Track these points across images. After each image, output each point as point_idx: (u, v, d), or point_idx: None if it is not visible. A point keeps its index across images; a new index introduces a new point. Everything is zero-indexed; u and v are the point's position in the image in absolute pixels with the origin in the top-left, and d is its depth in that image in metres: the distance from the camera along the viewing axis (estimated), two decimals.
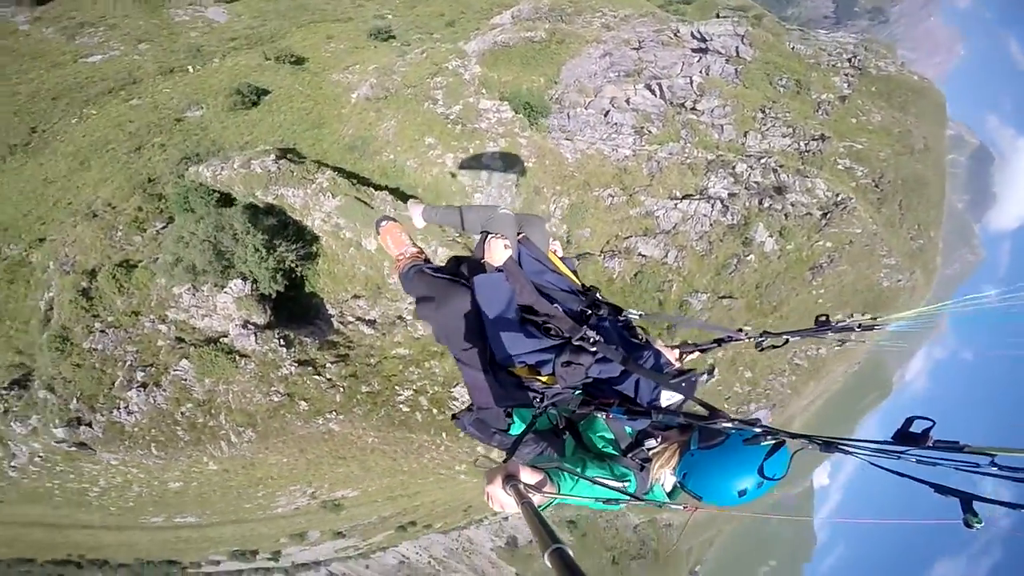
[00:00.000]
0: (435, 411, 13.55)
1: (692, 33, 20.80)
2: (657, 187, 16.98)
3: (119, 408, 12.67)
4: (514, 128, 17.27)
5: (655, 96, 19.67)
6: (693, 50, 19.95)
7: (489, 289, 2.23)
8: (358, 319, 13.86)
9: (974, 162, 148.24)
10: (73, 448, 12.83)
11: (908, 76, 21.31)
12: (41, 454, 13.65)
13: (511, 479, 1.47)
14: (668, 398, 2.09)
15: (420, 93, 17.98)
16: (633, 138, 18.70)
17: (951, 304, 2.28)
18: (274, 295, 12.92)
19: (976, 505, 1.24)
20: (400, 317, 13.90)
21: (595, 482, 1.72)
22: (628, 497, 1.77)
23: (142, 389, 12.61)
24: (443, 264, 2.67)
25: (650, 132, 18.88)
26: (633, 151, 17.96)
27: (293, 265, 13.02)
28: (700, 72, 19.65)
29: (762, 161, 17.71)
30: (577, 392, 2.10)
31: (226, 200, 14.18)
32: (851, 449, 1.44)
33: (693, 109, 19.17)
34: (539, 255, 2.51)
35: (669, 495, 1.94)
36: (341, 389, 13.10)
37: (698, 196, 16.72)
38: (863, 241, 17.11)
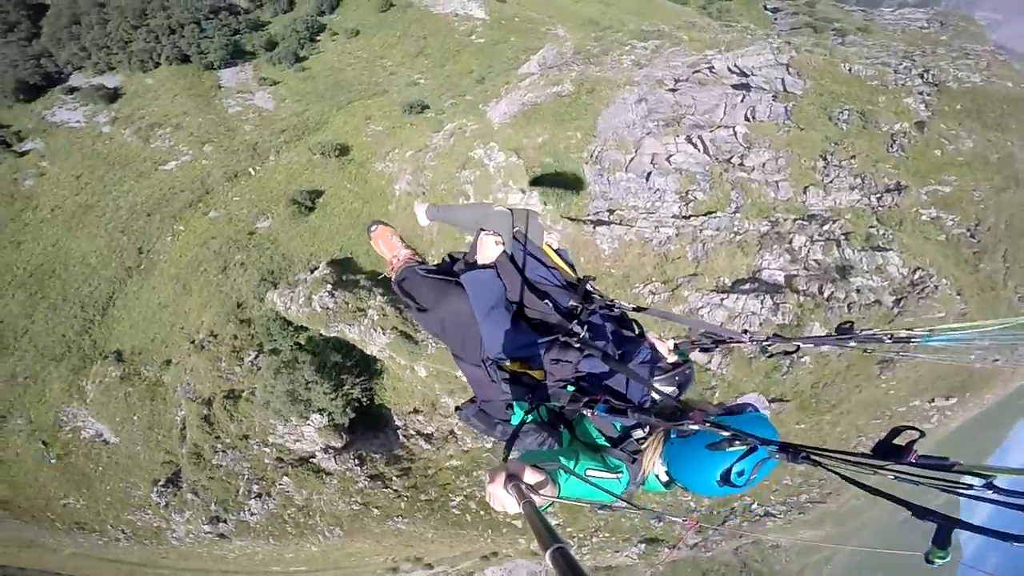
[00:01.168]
0: (483, 513, 15.31)
1: (729, 68, 18.82)
2: (703, 276, 16.41)
3: (244, 511, 15.86)
4: (545, 221, 17.41)
5: (698, 151, 18.36)
6: (734, 87, 18.11)
7: (479, 285, 2.28)
8: (418, 433, 15.66)
9: None
10: (216, 537, 16.44)
11: (999, 85, 17.80)
12: (192, 534, 17.57)
13: (513, 479, 1.49)
14: (661, 390, 2.10)
15: (452, 188, 18.48)
16: (678, 205, 17.87)
17: (1003, 323, 1.96)
18: (347, 422, 15.03)
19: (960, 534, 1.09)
20: (452, 432, 15.52)
21: (587, 479, 1.72)
22: (617, 499, 1.75)
23: (258, 498, 15.60)
24: (438, 263, 2.71)
25: (695, 198, 17.93)
26: (677, 231, 17.31)
27: (360, 396, 14.94)
28: (745, 116, 17.96)
29: (825, 229, 16.35)
30: (570, 387, 2.11)
31: (300, 327, 16.26)
32: (822, 460, 1.35)
33: (741, 165, 17.80)
34: (534, 250, 2.52)
35: (665, 486, 1.93)
36: (405, 498, 15.23)
37: (748, 285, 16.01)
38: (949, 320, 15.55)
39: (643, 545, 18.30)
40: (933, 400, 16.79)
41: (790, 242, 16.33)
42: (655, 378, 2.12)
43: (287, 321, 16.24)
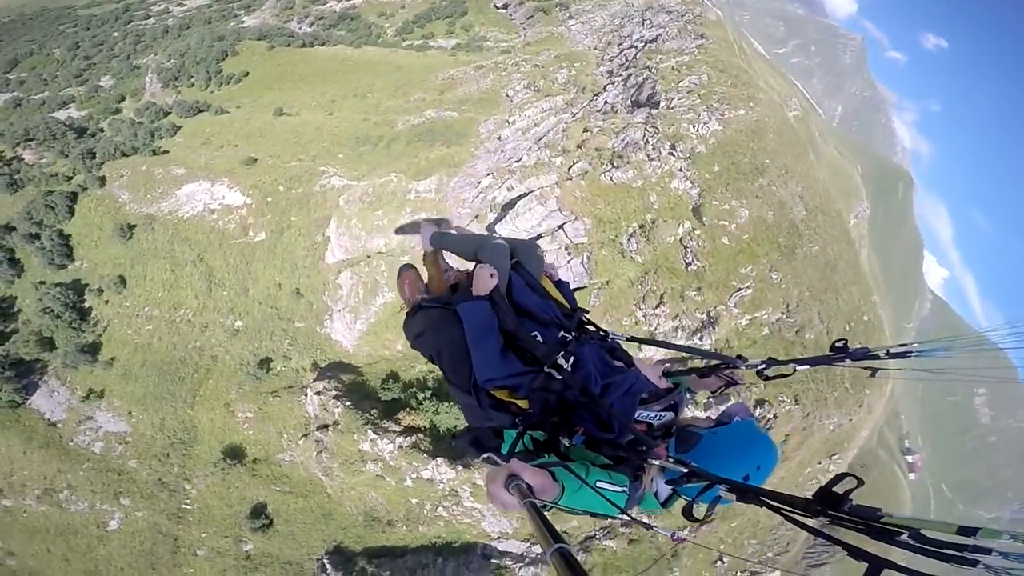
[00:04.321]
0: None
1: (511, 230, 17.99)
2: None
3: None
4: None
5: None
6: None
7: (472, 315, 2.39)
8: None
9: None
10: None
11: (736, 121, 17.01)
12: None
13: (513, 479, 1.50)
14: (647, 417, 2.23)
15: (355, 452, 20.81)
16: None
17: (993, 331, 2.15)
18: None
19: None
20: None
21: (597, 489, 1.78)
22: (621, 511, 1.82)
23: None
24: (440, 295, 2.89)
25: None
26: None
27: None
28: None
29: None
30: (554, 417, 2.21)
31: None
32: (768, 502, 1.44)
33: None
34: (532, 280, 2.66)
35: (664, 504, 2.04)
36: None
37: None
38: (801, 427, 18.08)
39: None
40: (820, 462, 20.82)
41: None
42: (643, 406, 2.26)
43: None
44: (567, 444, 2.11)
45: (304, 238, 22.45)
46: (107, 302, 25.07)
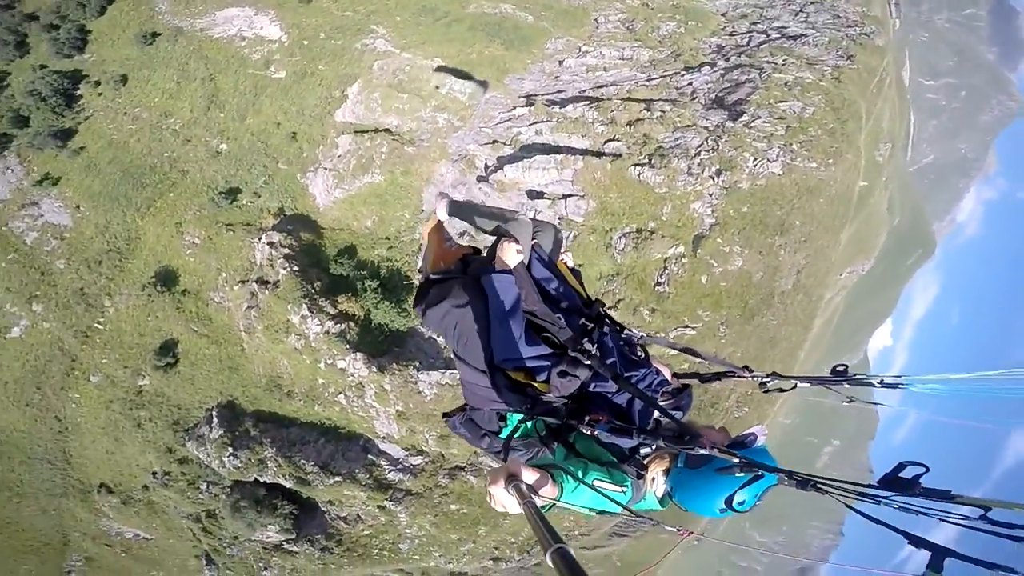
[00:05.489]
0: None
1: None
2: None
3: None
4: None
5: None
6: (530, 195, 17.31)
7: (498, 290, 2.25)
8: (339, 517, 21.42)
9: (994, 16, 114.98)
10: None
11: (801, 172, 16.36)
12: None
13: (513, 479, 1.49)
14: (669, 412, 2.09)
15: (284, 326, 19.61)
16: None
17: (990, 374, 2.05)
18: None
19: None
20: (359, 516, 21.16)
21: (595, 488, 1.77)
22: (623, 508, 1.81)
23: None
24: (450, 267, 2.71)
25: None
26: None
27: (293, 510, 20.19)
28: None
29: None
30: (567, 404, 2.13)
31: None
32: (829, 489, 1.42)
33: None
34: (549, 264, 2.55)
35: (660, 501, 2.03)
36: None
37: None
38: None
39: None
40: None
41: None
42: (661, 401, 2.21)
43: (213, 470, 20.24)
44: (586, 433, 2.04)
45: (322, 89, 21.81)
46: (100, 95, 24.26)
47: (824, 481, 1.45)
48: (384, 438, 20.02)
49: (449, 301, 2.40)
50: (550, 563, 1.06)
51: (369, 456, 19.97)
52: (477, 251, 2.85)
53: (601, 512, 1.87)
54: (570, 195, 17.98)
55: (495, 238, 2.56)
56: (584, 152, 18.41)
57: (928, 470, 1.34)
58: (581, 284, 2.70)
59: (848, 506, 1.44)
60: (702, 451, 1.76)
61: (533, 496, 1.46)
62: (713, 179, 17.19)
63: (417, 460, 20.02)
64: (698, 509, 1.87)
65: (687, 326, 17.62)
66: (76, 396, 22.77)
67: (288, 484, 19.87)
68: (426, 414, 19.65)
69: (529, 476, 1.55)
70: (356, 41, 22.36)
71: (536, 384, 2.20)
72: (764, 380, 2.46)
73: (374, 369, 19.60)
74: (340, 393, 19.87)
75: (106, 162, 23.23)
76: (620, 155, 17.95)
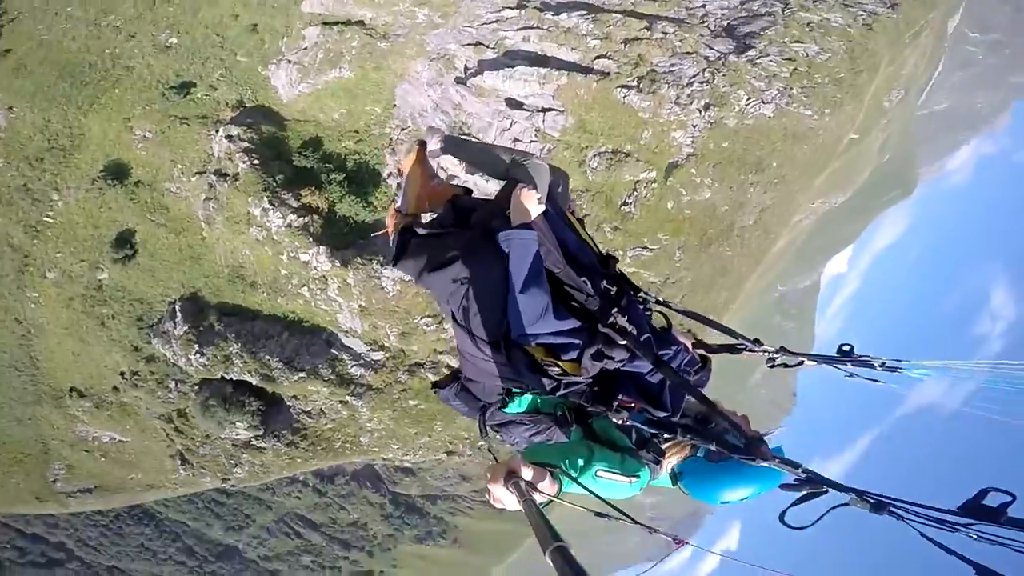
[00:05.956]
0: None
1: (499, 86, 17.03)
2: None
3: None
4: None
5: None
6: (508, 104, 17.12)
7: (522, 251, 1.91)
8: (303, 412, 22.55)
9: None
10: None
11: (792, 117, 15.80)
12: None
13: (512, 476, 1.46)
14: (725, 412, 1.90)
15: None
16: None
17: (983, 364, 2.13)
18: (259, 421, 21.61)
19: None
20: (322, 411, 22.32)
21: (599, 478, 1.68)
22: (621, 514, 1.66)
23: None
24: (438, 215, 2.35)
25: None
26: None
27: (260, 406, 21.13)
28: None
29: None
30: (592, 386, 1.94)
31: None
32: (904, 515, 1.34)
33: None
34: (562, 215, 2.20)
35: (672, 481, 2.01)
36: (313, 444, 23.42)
37: None
38: None
39: None
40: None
41: None
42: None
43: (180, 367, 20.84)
44: (619, 423, 1.87)
45: None
46: None
47: (900, 504, 1.33)
48: (347, 332, 20.50)
49: (457, 266, 2.04)
50: (549, 562, 1.03)
51: (332, 351, 20.48)
52: (468, 191, 2.50)
53: (600, 515, 1.66)
54: (550, 109, 17.68)
55: (503, 183, 2.19)
56: (571, 67, 17.63)
57: (1015, 499, 1.23)
58: (590, 237, 2.36)
59: (922, 534, 1.31)
60: (764, 463, 1.62)
61: (532, 493, 1.44)
62: (700, 112, 16.75)
63: (378, 356, 20.62)
64: (701, 495, 1.87)
65: (646, 247, 18.10)
66: (35, 295, 22.58)
67: (254, 380, 20.60)
68: (388, 310, 20.37)
69: (528, 473, 1.49)
70: None
71: (561, 364, 1.93)
72: (772, 356, 2.35)
73: (337, 263, 19.97)
74: (303, 286, 20.26)
75: (38, 63, 21.84)
76: (608, 74, 17.10)
